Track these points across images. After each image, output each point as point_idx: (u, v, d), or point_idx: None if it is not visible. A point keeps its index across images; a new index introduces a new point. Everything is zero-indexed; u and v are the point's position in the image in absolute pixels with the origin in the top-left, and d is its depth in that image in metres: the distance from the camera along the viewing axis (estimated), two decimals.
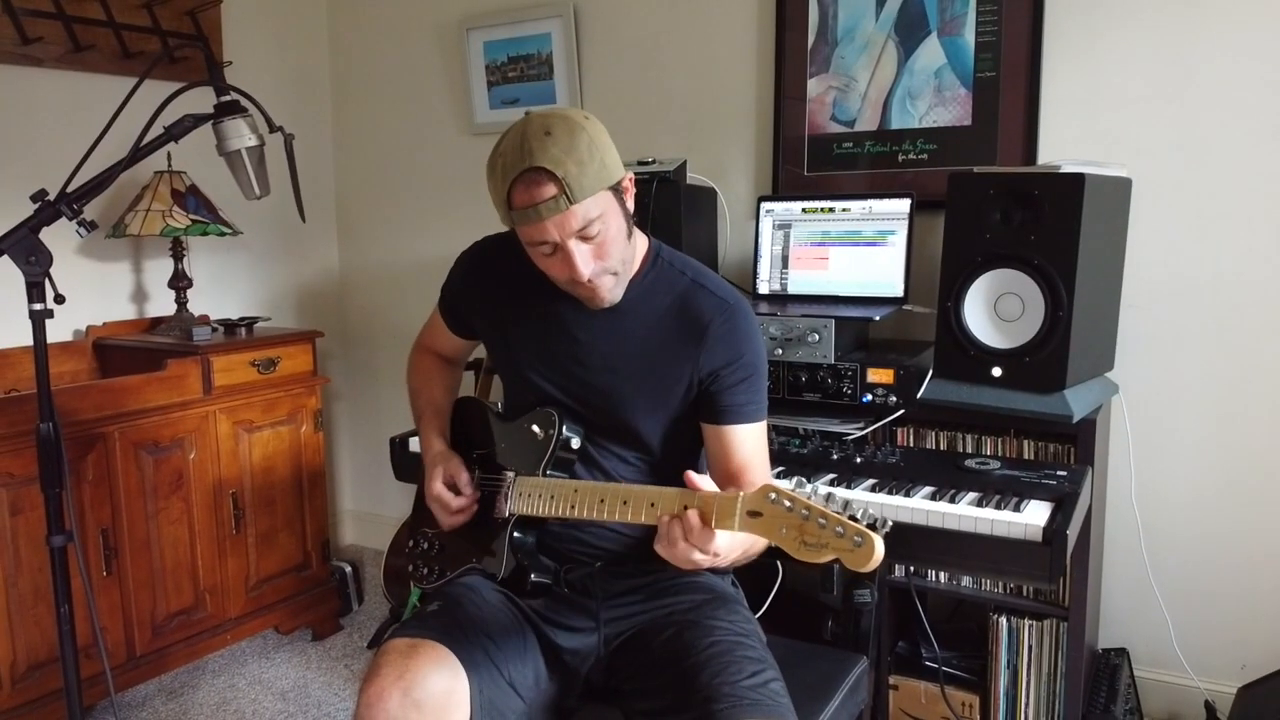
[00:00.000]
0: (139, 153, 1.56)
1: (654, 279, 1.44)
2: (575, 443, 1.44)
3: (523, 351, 1.49)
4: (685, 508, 1.17)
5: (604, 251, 1.31)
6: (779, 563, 1.90)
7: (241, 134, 1.65)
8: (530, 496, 1.40)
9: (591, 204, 1.26)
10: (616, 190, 1.32)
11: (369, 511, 3.57)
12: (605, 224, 1.29)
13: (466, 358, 1.77)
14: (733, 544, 1.19)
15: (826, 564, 1.06)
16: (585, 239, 1.29)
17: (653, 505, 1.22)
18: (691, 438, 1.47)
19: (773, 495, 1.09)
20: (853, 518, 1.04)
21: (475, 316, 1.58)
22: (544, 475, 1.42)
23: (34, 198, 1.52)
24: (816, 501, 1.07)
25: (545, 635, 1.44)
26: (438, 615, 1.36)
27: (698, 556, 1.16)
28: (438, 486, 1.50)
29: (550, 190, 1.23)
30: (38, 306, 1.49)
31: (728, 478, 1.41)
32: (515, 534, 1.44)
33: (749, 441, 1.42)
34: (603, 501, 1.29)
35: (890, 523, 1.06)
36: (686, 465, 1.51)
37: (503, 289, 1.50)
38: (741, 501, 1.12)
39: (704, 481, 1.18)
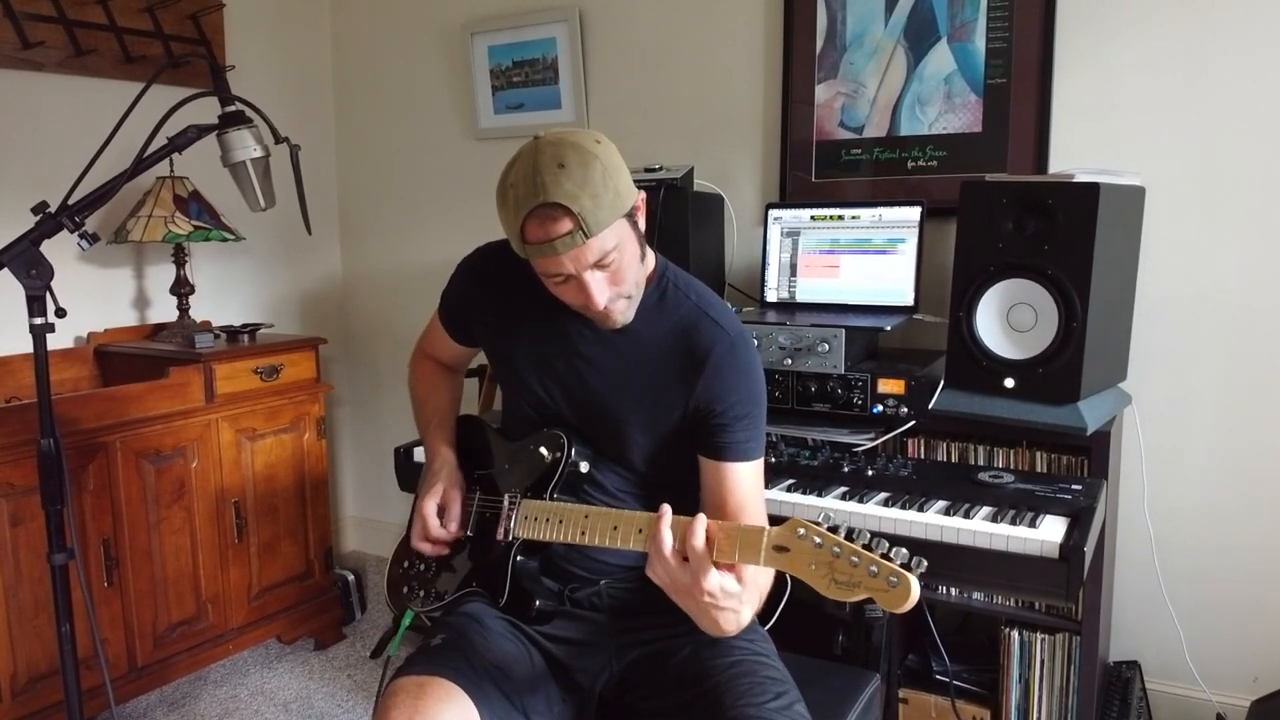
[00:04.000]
0: (141, 165, 1.53)
1: (659, 299, 1.42)
2: (584, 466, 1.41)
3: (524, 362, 1.47)
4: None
5: (619, 278, 1.30)
6: (788, 576, 1.90)
7: (246, 145, 1.62)
8: (536, 520, 1.38)
9: (608, 235, 1.24)
10: (630, 215, 1.30)
11: (372, 518, 3.55)
12: (621, 252, 1.28)
13: (468, 364, 1.75)
14: (753, 584, 1.17)
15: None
16: (601, 268, 1.27)
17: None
18: (688, 458, 1.44)
19: (801, 531, 1.07)
20: (885, 556, 1.02)
21: (477, 324, 1.56)
22: (551, 499, 1.39)
23: (35, 210, 1.49)
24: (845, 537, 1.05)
25: (554, 656, 1.42)
26: (443, 650, 1.33)
27: (703, 597, 1.13)
28: (430, 506, 1.47)
29: (566, 226, 1.21)
30: (38, 321, 1.46)
31: (723, 516, 1.37)
32: (518, 558, 1.41)
33: (746, 480, 1.38)
34: (615, 529, 1.27)
35: (925, 563, 1.03)
36: (683, 483, 1.47)
37: (505, 299, 1.48)
38: (767, 536, 1.10)
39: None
